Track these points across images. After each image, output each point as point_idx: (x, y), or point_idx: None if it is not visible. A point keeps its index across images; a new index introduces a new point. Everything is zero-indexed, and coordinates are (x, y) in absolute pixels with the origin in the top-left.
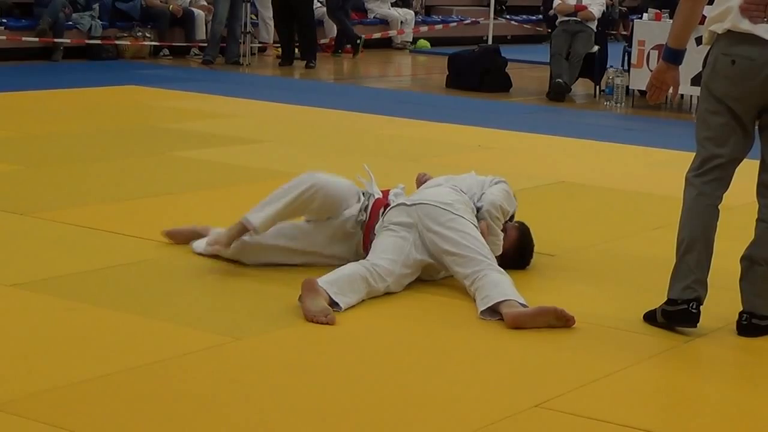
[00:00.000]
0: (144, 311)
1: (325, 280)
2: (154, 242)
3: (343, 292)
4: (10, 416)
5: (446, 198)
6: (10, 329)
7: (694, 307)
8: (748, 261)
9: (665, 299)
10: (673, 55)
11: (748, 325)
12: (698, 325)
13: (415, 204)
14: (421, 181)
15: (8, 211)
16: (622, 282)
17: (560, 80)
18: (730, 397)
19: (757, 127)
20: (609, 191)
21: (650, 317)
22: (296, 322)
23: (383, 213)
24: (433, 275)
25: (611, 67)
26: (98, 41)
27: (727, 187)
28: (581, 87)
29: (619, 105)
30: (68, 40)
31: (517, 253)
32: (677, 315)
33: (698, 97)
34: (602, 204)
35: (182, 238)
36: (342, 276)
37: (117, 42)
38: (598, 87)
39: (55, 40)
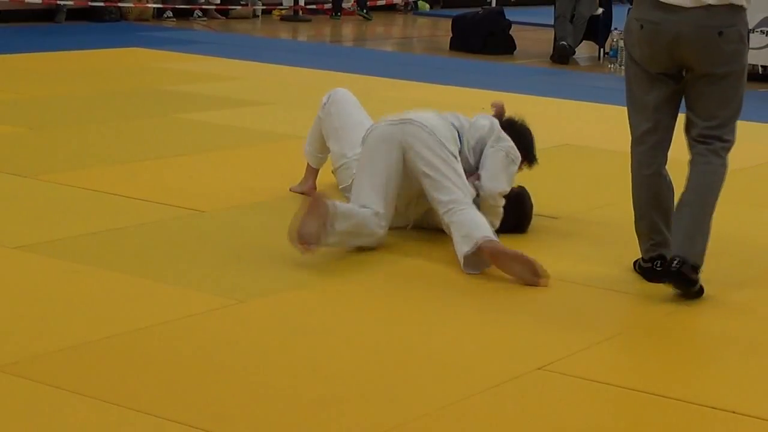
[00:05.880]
0: (147, 273)
1: (342, 212)
2: (157, 204)
3: (346, 230)
4: (14, 377)
5: (431, 122)
6: (13, 291)
7: (658, 265)
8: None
9: None
10: None
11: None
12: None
13: (402, 122)
14: (498, 108)
15: (12, 173)
16: (625, 245)
17: (564, 43)
18: (732, 361)
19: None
20: (613, 154)
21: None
22: (300, 285)
23: (369, 129)
24: (438, 222)
25: (615, 29)
26: (101, 3)
27: (667, 149)
28: (585, 50)
29: (623, 68)
30: (71, 2)
31: (514, 219)
32: (643, 272)
33: None
34: (606, 167)
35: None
36: (356, 220)
37: (120, 4)
38: (602, 50)
39: (58, 2)
